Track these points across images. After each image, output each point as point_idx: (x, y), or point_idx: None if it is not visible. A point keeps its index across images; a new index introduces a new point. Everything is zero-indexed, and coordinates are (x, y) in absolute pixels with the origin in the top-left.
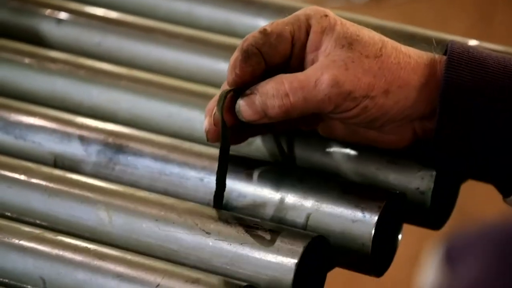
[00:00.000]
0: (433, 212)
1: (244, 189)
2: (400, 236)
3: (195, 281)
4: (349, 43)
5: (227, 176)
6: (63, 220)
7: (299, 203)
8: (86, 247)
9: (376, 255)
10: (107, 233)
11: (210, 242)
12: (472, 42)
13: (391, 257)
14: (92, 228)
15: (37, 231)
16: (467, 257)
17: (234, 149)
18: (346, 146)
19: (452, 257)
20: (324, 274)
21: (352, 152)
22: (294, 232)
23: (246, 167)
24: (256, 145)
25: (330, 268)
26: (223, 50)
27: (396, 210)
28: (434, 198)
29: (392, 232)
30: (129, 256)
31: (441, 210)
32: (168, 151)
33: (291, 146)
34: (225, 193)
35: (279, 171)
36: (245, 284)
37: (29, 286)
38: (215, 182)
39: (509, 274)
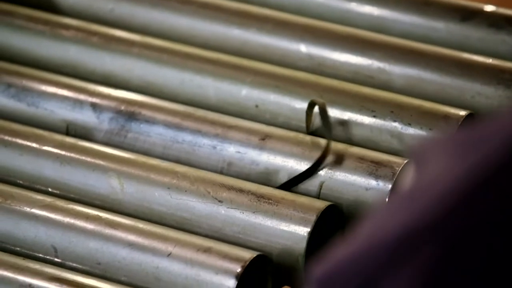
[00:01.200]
0: None
1: (257, 157)
2: None
3: (206, 250)
4: None
5: (240, 144)
6: (75, 188)
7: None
8: (98, 215)
9: None
10: (119, 201)
11: (223, 211)
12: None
13: None
14: (104, 196)
15: (48, 199)
16: (432, 158)
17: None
18: (359, 113)
19: (420, 161)
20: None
21: (366, 119)
22: (307, 201)
23: (259, 135)
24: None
25: (344, 234)
26: (237, 17)
27: None
28: None
29: None
30: (140, 224)
31: None
32: (181, 118)
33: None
34: (238, 160)
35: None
36: (257, 253)
37: (40, 254)
38: (227, 149)
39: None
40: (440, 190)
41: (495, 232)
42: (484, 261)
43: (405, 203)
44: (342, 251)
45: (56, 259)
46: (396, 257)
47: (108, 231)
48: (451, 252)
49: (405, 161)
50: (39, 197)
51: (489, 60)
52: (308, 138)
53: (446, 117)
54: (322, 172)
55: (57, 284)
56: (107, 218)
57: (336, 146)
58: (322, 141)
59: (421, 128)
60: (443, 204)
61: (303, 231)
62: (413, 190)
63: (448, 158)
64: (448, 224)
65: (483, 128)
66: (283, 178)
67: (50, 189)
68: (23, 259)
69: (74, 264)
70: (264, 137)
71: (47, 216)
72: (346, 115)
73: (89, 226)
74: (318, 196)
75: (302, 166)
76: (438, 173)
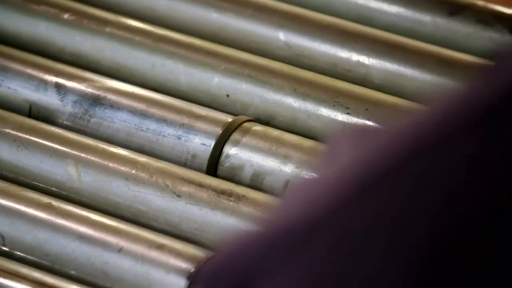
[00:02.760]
0: None
1: (219, 149)
2: None
3: (159, 246)
4: None
5: (206, 135)
6: (31, 173)
7: (277, 168)
8: (50, 203)
9: None
10: (75, 189)
11: (180, 206)
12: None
13: None
14: (61, 183)
15: (2, 184)
16: (339, 149)
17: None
18: (333, 109)
19: (331, 150)
20: None
21: (339, 115)
22: (269, 200)
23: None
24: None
25: None
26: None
27: None
28: None
29: None
30: (93, 216)
31: None
32: (147, 105)
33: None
34: (203, 153)
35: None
36: (212, 253)
37: None
38: (192, 140)
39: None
40: (328, 184)
41: (380, 232)
42: (369, 260)
43: (298, 195)
44: (231, 246)
45: (3, 248)
46: (280, 254)
47: (59, 221)
48: (336, 251)
49: None
50: None
51: (472, 59)
52: (276, 132)
53: None
54: (288, 170)
55: (2, 275)
56: (59, 207)
57: (305, 142)
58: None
59: None
60: (331, 200)
61: None
62: (307, 182)
63: (348, 150)
64: (334, 221)
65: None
66: (247, 173)
67: (5, 173)
68: None
69: (22, 254)
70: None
71: None
72: (320, 110)
73: (40, 214)
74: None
75: (268, 162)
76: (334, 166)
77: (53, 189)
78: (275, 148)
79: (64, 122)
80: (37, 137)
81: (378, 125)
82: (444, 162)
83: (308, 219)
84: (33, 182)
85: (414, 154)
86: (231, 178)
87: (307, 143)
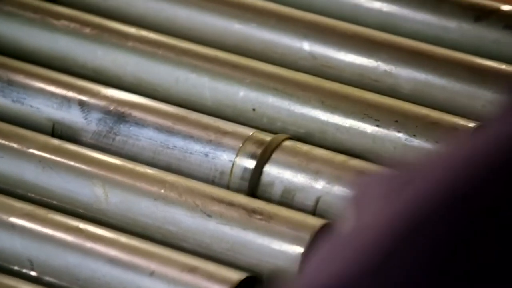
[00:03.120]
0: None
1: (250, 166)
2: None
3: (192, 269)
4: None
5: (234, 152)
6: (57, 194)
7: (308, 184)
8: (78, 227)
9: None
10: (103, 210)
11: (211, 226)
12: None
13: None
14: (87, 204)
15: (28, 207)
16: (366, 200)
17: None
18: (362, 121)
19: (355, 203)
20: None
21: (368, 128)
22: (301, 217)
23: (255, 142)
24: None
25: None
26: (239, 10)
27: None
28: None
29: None
30: (123, 238)
31: None
32: (173, 122)
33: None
34: (230, 170)
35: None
36: (245, 274)
37: (16, 267)
38: (220, 157)
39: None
40: (370, 237)
41: (428, 280)
42: None
43: (338, 250)
44: None
45: (32, 273)
46: None
47: (89, 244)
48: None
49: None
50: (18, 204)
51: (503, 66)
52: (305, 147)
53: (454, 129)
54: (319, 186)
55: None
56: (87, 230)
57: (335, 157)
58: (321, 152)
59: (426, 140)
60: (375, 252)
61: (296, 251)
62: (344, 236)
63: (380, 200)
64: (380, 272)
65: (416, 167)
66: (277, 190)
67: (30, 194)
68: None
69: (51, 279)
70: (260, 145)
71: (25, 226)
72: (348, 122)
73: (69, 238)
74: (314, 212)
75: (298, 177)
76: (370, 217)
77: (80, 210)
78: (305, 164)
79: (89, 141)
80: (62, 157)
81: (408, 171)
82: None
83: (352, 276)
84: (59, 204)
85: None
86: (262, 195)
87: (338, 157)
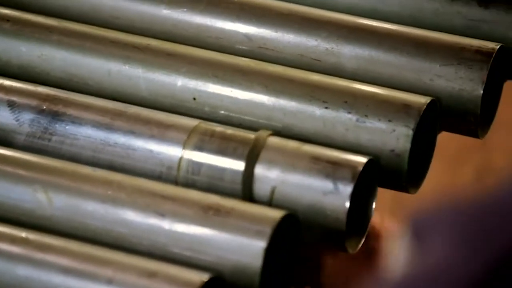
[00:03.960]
0: (408, 175)
1: (200, 159)
2: (374, 205)
3: (151, 274)
4: None
5: (179, 145)
6: None
7: (262, 175)
8: (25, 237)
9: (349, 229)
10: (48, 216)
11: (166, 225)
12: None
13: (364, 227)
14: (30, 211)
15: None
16: (435, 234)
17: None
18: (309, 104)
19: (419, 232)
20: (294, 252)
21: (317, 110)
22: (260, 210)
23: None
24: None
25: (299, 243)
26: None
27: (370, 176)
28: (410, 160)
29: (365, 200)
30: (74, 245)
31: (416, 172)
32: (111, 117)
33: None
34: (177, 165)
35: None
36: (208, 276)
37: None
38: (165, 152)
39: (475, 255)
40: (454, 280)
41: None
42: None
43: None
44: None
45: None
46: None
47: (38, 255)
48: None
49: (366, 160)
50: None
51: (447, 37)
52: (252, 135)
53: (406, 106)
54: (273, 176)
55: None
56: (34, 239)
57: (288, 144)
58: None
59: (379, 120)
60: None
61: (259, 246)
62: (418, 276)
63: (452, 240)
64: None
65: (488, 207)
66: (228, 181)
67: None
68: None
69: None
70: (205, 135)
71: None
72: (295, 106)
73: (15, 249)
74: (270, 203)
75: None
76: (445, 259)
77: (23, 218)
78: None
79: (22, 143)
80: None
81: (471, 211)
82: None
83: None
84: (0, 213)
85: None
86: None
87: (290, 144)
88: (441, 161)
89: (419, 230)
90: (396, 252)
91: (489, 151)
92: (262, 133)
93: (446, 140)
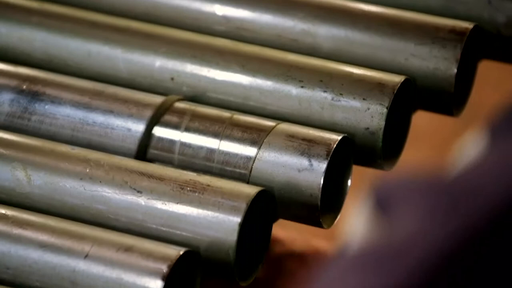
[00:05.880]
0: (383, 153)
1: (175, 137)
2: (349, 182)
3: (128, 248)
4: None
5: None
6: None
7: (239, 152)
8: (4, 213)
9: (324, 205)
10: (27, 194)
11: (142, 202)
12: None
13: (340, 204)
14: (9, 189)
15: None
16: (402, 207)
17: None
18: (285, 83)
19: (385, 205)
20: (268, 228)
21: (293, 89)
22: (235, 187)
23: (177, 113)
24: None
25: (275, 220)
26: None
27: (345, 154)
28: (384, 137)
29: (340, 178)
30: (52, 222)
31: (391, 150)
32: (90, 97)
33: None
34: (152, 143)
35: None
36: (184, 249)
37: None
38: (143, 131)
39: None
40: (422, 252)
41: None
42: None
43: (382, 263)
44: None
45: None
46: None
47: (16, 231)
48: None
49: (340, 137)
50: None
51: (422, 17)
52: (230, 114)
53: (381, 84)
54: (251, 153)
55: None
56: (13, 216)
57: (265, 123)
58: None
59: (354, 98)
60: (428, 270)
61: (234, 221)
62: (386, 247)
63: (421, 212)
64: None
65: (453, 181)
66: (206, 160)
67: None
68: None
69: None
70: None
71: None
72: (271, 85)
73: None
74: (247, 180)
75: (230, 146)
76: (413, 229)
77: (3, 196)
78: (240, 133)
79: (2, 123)
80: None
81: (436, 184)
82: None
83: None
84: None
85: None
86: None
87: (266, 122)
88: (414, 139)
89: (383, 201)
90: (358, 225)
91: (461, 127)
92: (227, 114)
93: (418, 118)
